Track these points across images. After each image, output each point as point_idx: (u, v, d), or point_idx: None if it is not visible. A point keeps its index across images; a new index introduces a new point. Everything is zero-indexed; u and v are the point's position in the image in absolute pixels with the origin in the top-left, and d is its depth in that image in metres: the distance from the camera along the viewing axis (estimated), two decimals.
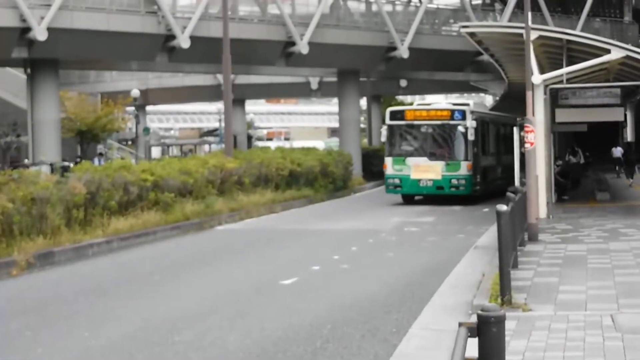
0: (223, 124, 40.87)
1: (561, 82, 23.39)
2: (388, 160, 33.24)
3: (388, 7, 49.12)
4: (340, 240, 20.57)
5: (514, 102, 46.64)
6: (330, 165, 36.68)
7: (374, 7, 47.13)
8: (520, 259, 14.32)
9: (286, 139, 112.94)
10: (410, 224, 24.33)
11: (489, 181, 34.53)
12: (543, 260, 15.00)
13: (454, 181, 31.41)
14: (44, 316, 12.12)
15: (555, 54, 24.36)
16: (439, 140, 32.70)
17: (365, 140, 60.96)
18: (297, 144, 66.94)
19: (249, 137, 73.76)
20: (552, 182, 25.19)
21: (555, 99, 24.62)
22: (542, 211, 21.60)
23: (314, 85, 60.99)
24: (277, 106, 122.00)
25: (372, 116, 63.28)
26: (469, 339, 5.05)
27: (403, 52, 44.64)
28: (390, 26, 44.66)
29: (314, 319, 11.34)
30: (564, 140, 30.33)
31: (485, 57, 36.22)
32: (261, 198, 28.62)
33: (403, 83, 59.21)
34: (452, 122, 31.82)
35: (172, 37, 37.06)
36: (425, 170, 31.43)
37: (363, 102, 60.85)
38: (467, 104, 34.26)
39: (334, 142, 64.60)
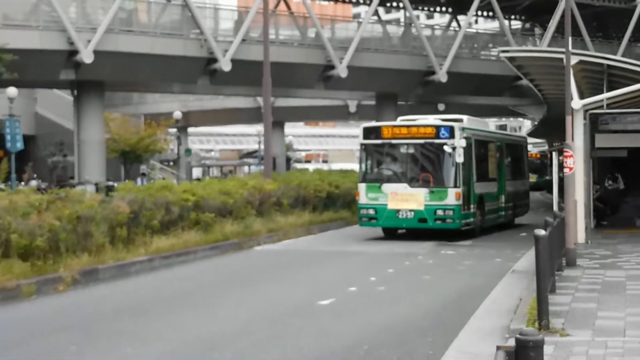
0: (262, 146, 41.04)
1: (601, 107, 23.24)
2: (361, 187, 26.97)
3: (427, 32, 49.41)
4: (376, 262, 20.51)
5: (552, 127, 46.41)
6: None
7: (413, 31, 47.21)
8: (558, 284, 14.19)
9: (324, 161, 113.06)
10: (447, 247, 24.20)
11: (488, 212, 28.65)
12: (581, 286, 14.84)
13: (439, 212, 25.30)
14: (88, 332, 12.23)
15: (595, 79, 24.23)
16: (421, 163, 26.50)
17: None
18: (335, 166, 66.95)
19: (288, 159, 73.98)
20: (591, 208, 24.97)
21: (595, 124, 24.50)
22: (581, 236, 21.42)
23: (352, 108, 61.15)
24: (315, 129, 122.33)
25: None
26: None
27: (441, 76, 44.69)
28: (429, 50, 44.72)
29: (350, 340, 11.31)
30: (603, 165, 29.99)
31: (524, 81, 35.98)
32: (298, 219, 28.65)
33: (441, 107, 59.03)
34: (437, 141, 25.52)
35: (214, 60, 37.41)
36: (405, 199, 25.46)
37: None
38: (460, 120, 28.04)
39: None
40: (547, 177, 57.37)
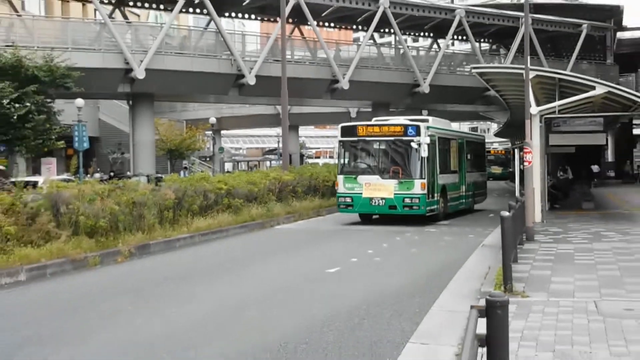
0: (281, 145, 41.12)
1: (554, 112, 23.19)
2: (340, 179, 25.63)
3: (413, 52, 49.28)
4: (373, 238, 20.46)
5: (515, 128, 46.36)
6: None
7: (402, 52, 47.17)
8: (519, 255, 14.21)
9: (330, 157, 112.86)
10: (430, 226, 24.19)
11: (450, 200, 27.34)
12: (538, 257, 14.85)
13: (407, 200, 24.09)
14: (142, 295, 12.29)
15: (549, 89, 24.17)
16: (391, 158, 25.05)
17: None
18: None
19: (301, 156, 73.91)
20: (546, 194, 24.95)
21: (549, 126, 24.57)
22: (538, 217, 21.40)
23: (353, 114, 60.87)
24: (323, 131, 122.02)
25: None
26: (479, 319, 5.05)
27: (425, 88, 44.64)
28: (414, 67, 44.67)
29: (352, 300, 11.34)
30: (556, 159, 30.00)
31: (492, 92, 35.84)
32: (310, 204, 28.62)
33: (424, 113, 58.85)
34: (405, 138, 24.24)
35: (242, 76, 37.41)
36: (377, 188, 24.26)
37: None
38: (427, 120, 27.08)
39: None
40: (510, 169, 57.35)
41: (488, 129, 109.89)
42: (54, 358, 8.46)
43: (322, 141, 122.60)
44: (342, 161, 26.00)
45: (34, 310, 11.38)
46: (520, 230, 16.19)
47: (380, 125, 25.36)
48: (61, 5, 46.92)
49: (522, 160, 20.62)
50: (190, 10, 42.64)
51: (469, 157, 30.77)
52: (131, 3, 42.33)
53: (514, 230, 12.71)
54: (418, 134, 24.01)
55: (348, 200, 25.07)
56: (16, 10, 37.85)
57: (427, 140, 23.78)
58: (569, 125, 25.16)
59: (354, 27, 51.36)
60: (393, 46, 52.86)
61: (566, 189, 30.74)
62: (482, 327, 4.99)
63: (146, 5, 43.15)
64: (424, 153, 23.55)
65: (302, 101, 47.30)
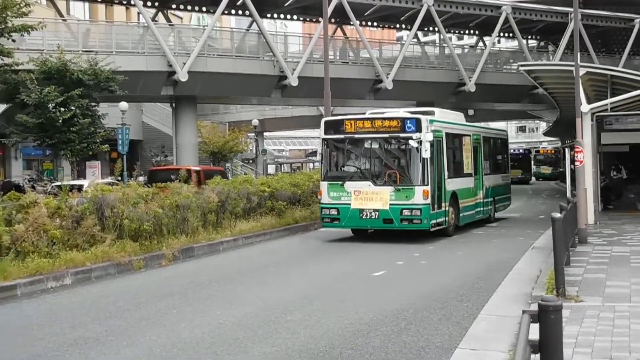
0: None
1: (606, 110, 22.83)
2: (323, 186, 20.96)
3: (458, 50, 48.93)
4: (418, 239, 20.14)
5: (565, 127, 45.80)
6: None
7: (446, 50, 46.88)
8: (572, 258, 13.94)
9: None
10: (478, 228, 23.91)
11: (463, 209, 22.47)
12: (592, 260, 14.58)
13: (406, 212, 19.57)
14: (186, 298, 12.35)
15: (600, 86, 23.80)
16: (386, 159, 20.48)
17: None
18: None
19: None
20: (599, 194, 24.53)
21: (600, 124, 24.13)
22: (590, 218, 21.04)
23: None
24: None
25: None
26: (531, 324, 4.95)
27: (471, 87, 44.31)
28: (460, 66, 44.35)
29: (399, 304, 11.25)
30: (608, 159, 29.46)
31: (540, 90, 35.40)
32: None
33: (470, 112, 58.42)
34: (403, 135, 19.70)
35: (284, 77, 37.52)
36: (369, 198, 19.79)
37: None
38: (432, 112, 22.44)
39: None
40: (561, 169, 56.62)
41: (537, 128, 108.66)
42: None
43: None
44: (326, 164, 21.40)
45: (80, 313, 11.49)
46: (573, 233, 15.92)
47: (372, 120, 20.80)
48: (105, 10, 47.55)
49: (573, 160, 20.31)
50: (233, 12, 42.94)
51: (487, 156, 26.36)
52: (174, 6, 42.74)
53: (565, 232, 12.49)
54: (418, 129, 19.50)
55: (333, 212, 20.45)
56: (61, 15, 38.43)
57: (430, 137, 19.42)
58: (622, 123, 24.65)
59: (397, 26, 51.22)
60: (437, 45, 52.48)
61: (620, 189, 30.15)
62: (534, 332, 4.88)
63: (189, 7, 43.56)
64: (426, 153, 19.22)
65: (345, 102, 47.25)
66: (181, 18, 51.95)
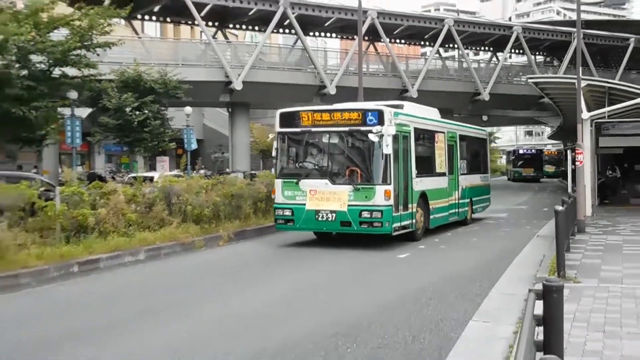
0: None
1: (604, 117, 22.51)
2: (277, 184, 16.62)
3: (474, 64, 48.51)
4: (440, 228, 19.49)
5: (567, 132, 45.15)
6: None
7: (465, 64, 46.50)
8: (571, 245, 13.82)
9: None
10: (489, 218, 23.74)
11: (435, 211, 18.14)
12: (589, 247, 14.41)
13: (365, 214, 15.38)
14: (238, 273, 12.53)
15: (599, 97, 23.44)
16: (346, 155, 16.25)
17: None
18: None
19: None
20: (596, 190, 24.21)
21: (598, 129, 23.84)
22: (588, 211, 20.74)
23: None
24: None
25: None
26: (536, 302, 4.97)
27: (485, 96, 43.86)
28: (476, 78, 43.95)
29: (420, 283, 11.26)
30: (605, 160, 29.00)
31: (546, 99, 34.93)
32: None
33: (484, 118, 58.00)
34: (364, 129, 15.41)
35: (324, 86, 37.49)
36: (326, 198, 15.72)
37: None
38: (401, 105, 18.22)
39: None
40: (562, 168, 55.88)
41: (542, 132, 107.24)
42: (163, 326, 8.68)
43: None
44: (281, 160, 16.84)
45: (152, 284, 11.72)
46: (572, 223, 15.75)
47: (330, 111, 16.34)
48: (173, 28, 47.98)
49: (574, 160, 20.08)
50: (281, 30, 43.06)
51: (465, 156, 21.85)
52: (231, 25, 42.98)
53: (566, 223, 12.38)
54: (381, 122, 15.26)
55: (287, 213, 16.15)
56: (137, 33, 38.86)
57: (392, 130, 15.22)
58: (617, 128, 24.33)
59: (422, 43, 50.83)
60: (456, 59, 52.04)
61: (615, 186, 29.68)
62: (538, 309, 4.88)
63: (243, 27, 43.77)
64: (388, 149, 15.04)
65: None
66: (236, 36, 52.09)
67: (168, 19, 41.19)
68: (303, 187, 15.81)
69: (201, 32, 39.75)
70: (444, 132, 19.67)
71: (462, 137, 21.59)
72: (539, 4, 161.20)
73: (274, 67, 37.75)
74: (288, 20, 37.73)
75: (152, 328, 8.55)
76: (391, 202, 15.18)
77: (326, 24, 42.35)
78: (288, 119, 16.57)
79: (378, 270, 12.94)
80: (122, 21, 35.27)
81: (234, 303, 9.96)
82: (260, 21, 39.80)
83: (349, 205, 15.20)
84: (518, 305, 8.83)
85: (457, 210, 20.16)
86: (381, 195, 15.02)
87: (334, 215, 15.43)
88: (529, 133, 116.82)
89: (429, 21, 44.02)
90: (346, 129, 15.64)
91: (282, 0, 35.84)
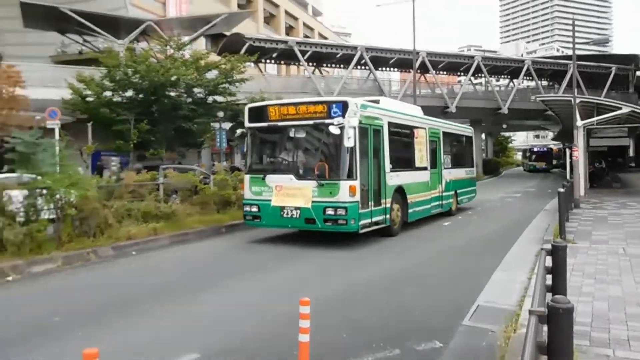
0: None
1: (593, 124, 21.20)
2: (246, 180, 11.87)
3: (497, 87, 46.71)
4: (471, 204, 19.09)
5: (566, 135, 42.73)
6: None
7: (489, 88, 44.86)
8: (569, 217, 13.19)
9: None
10: (508, 197, 22.88)
11: (414, 204, 13.21)
12: (582, 218, 13.70)
13: (329, 211, 10.49)
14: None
15: (589, 109, 22.10)
16: (311, 150, 11.30)
17: (483, 155, 58.22)
18: None
19: None
20: (587, 177, 22.92)
21: (589, 133, 22.55)
22: (582, 192, 19.71)
23: None
24: None
25: (488, 142, 60.50)
26: (546, 257, 4.81)
27: (504, 110, 42.14)
28: (497, 97, 42.34)
29: (459, 242, 11.04)
30: (593, 155, 27.41)
31: (550, 112, 33.19)
32: None
33: (504, 126, 55.84)
34: (329, 122, 10.56)
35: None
36: (291, 194, 11.05)
37: (482, 136, 58.03)
38: (377, 101, 13.07)
39: None
40: (562, 161, 53.15)
41: (547, 135, 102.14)
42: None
43: None
44: (250, 156, 12.08)
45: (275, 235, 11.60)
46: (571, 200, 15.03)
47: (296, 105, 11.47)
48: (285, 67, 48.59)
49: (571, 156, 19.09)
50: (358, 67, 42.82)
51: (449, 151, 16.62)
52: (324, 64, 43.12)
53: (566, 200, 11.85)
54: (345, 114, 10.62)
55: (254, 209, 11.45)
56: (262, 72, 39.60)
57: (355, 122, 10.54)
58: (603, 132, 23.01)
59: (458, 73, 49.37)
60: (483, 84, 50.22)
61: (601, 175, 27.97)
62: (548, 262, 4.73)
63: (333, 65, 43.83)
64: (349, 142, 10.36)
65: None
66: (328, 72, 52.21)
67: (282, 62, 41.75)
68: (269, 182, 11.01)
69: (304, 69, 40.10)
70: (424, 128, 14.38)
71: (447, 134, 16.26)
72: (543, 44, 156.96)
73: (354, 93, 37.55)
74: (363, 60, 37.46)
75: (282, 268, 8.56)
76: (357, 198, 10.30)
77: (390, 62, 41.79)
78: (256, 114, 11.57)
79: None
80: (252, 64, 36.06)
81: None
82: (344, 61, 39.72)
83: (313, 202, 10.41)
84: (530, 260, 8.55)
85: (441, 202, 15.07)
86: (345, 191, 10.22)
87: (298, 212, 10.58)
88: (537, 136, 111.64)
89: (464, 58, 42.73)
90: (311, 122, 10.70)
91: (360, 46, 35.64)
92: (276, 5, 51.76)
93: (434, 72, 41.55)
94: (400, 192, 12.33)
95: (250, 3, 47.33)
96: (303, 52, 35.72)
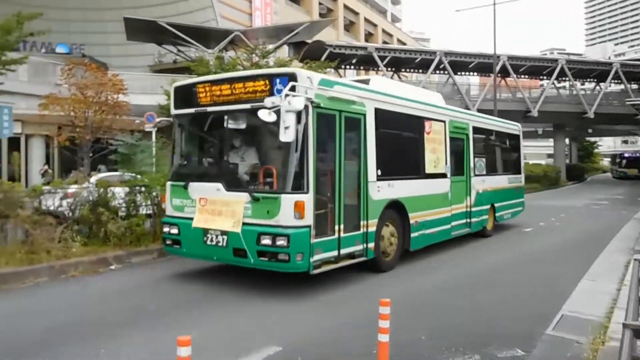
0: None
1: None
2: (167, 189, 7.12)
3: (582, 92, 43.88)
4: (554, 210, 18.27)
5: None
6: (548, 172, 33.62)
7: (574, 91, 42.21)
8: None
9: (523, 158, 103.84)
10: (593, 204, 21.37)
11: (420, 227, 8.38)
12: None
13: (266, 240, 5.82)
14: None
15: None
16: (246, 146, 6.66)
17: (567, 161, 54.86)
18: (531, 162, 61.71)
19: None
20: None
21: None
22: None
23: (540, 131, 55.71)
24: None
25: (572, 147, 57.03)
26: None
27: (590, 114, 39.46)
28: (583, 101, 39.70)
29: (548, 245, 10.48)
30: None
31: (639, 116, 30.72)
32: None
33: (590, 131, 52.32)
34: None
35: (467, 108, 36.03)
36: (217, 211, 6.18)
37: (566, 140, 54.70)
38: (367, 80, 8.13)
39: (550, 161, 58.62)
40: None
41: (636, 141, 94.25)
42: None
43: None
44: (174, 155, 7.55)
45: None
46: None
47: (231, 81, 6.64)
48: (364, 73, 48.60)
49: None
50: (437, 71, 41.94)
51: (484, 153, 11.78)
52: (403, 70, 42.71)
53: None
54: (293, 91, 5.83)
55: (174, 231, 7.04)
56: (340, 77, 39.94)
57: (297, 104, 5.63)
58: None
59: (540, 77, 46.87)
60: (567, 88, 47.25)
61: None
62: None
63: (411, 70, 43.27)
64: (287, 134, 5.64)
65: None
66: (406, 76, 51.57)
67: (361, 67, 41.78)
68: (192, 193, 6.96)
69: (383, 74, 39.87)
70: (442, 121, 9.73)
71: (480, 130, 11.47)
72: (633, 46, 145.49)
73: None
74: (442, 65, 36.62)
75: None
76: (307, 220, 6.17)
77: (469, 66, 40.53)
78: (183, 97, 7.38)
79: None
80: (332, 70, 36.40)
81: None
82: (423, 66, 39.05)
83: (244, 224, 6.34)
84: (619, 270, 7.95)
85: (467, 220, 10.50)
86: (288, 210, 6.12)
87: (225, 238, 6.51)
88: (625, 142, 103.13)
89: (547, 62, 40.47)
90: (248, 106, 6.52)
91: (438, 51, 34.93)
92: (356, 13, 51.97)
93: (515, 76, 39.74)
94: (396, 209, 7.87)
95: (331, 12, 47.87)
96: (382, 58, 35.58)
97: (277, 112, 5.69)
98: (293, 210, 6.02)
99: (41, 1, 25.37)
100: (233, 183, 6.56)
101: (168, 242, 7.18)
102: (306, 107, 5.98)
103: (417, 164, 8.94)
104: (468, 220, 10.62)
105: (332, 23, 41.04)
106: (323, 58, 26.59)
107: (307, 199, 6.07)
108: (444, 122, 9.85)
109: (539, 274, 8.11)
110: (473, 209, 10.80)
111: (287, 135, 5.70)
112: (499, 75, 40.70)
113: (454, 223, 9.92)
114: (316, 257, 6.24)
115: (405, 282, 7.38)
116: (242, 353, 4.55)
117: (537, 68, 41.50)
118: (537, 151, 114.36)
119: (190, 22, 29.50)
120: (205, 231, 6.59)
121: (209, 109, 6.91)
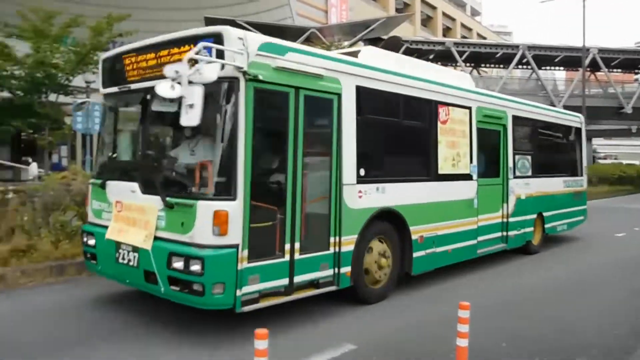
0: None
1: None
2: (89, 189, 5.11)
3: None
4: (635, 216, 16.59)
5: None
6: None
7: None
8: None
9: (615, 158, 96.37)
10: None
11: (425, 244, 5.97)
12: None
13: (178, 263, 3.87)
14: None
15: None
16: (167, 135, 4.50)
17: None
18: (625, 162, 56.83)
19: (593, 157, 64.59)
20: None
21: None
22: None
23: (634, 129, 51.03)
24: (610, 141, 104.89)
25: None
26: None
27: (628, 110, 35.57)
28: None
29: (633, 253, 9.40)
30: None
31: None
32: (601, 190, 24.46)
33: (634, 129, 47.24)
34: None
35: (553, 105, 33.67)
36: (131, 219, 4.25)
37: None
38: (356, 52, 5.88)
39: None
40: None
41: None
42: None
43: (606, 148, 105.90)
44: (99, 145, 5.52)
45: None
46: None
47: (156, 48, 4.58)
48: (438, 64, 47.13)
49: None
50: (519, 66, 39.63)
51: (529, 149, 8.79)
52: (483, 65, 40.86)
53: None
54: (221, 58, 4.01)
55: (91, 242, 5.07)
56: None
57: (211, 74, 3.76)
58: None
59: (635, 70, 42.82)
60: None
61: None
62: None
63: (491, 65, 41.31)
64: (189, 116, 3.71)
65: (596, 121, 40.92)
66: (486, 72, 49.28)
67: (439, 63, 40.47)
68: (109, 195, 5.09)
69: (462, 70, 38.35)
70: (467, 107, 7.18)
71: (523, 120, 8.71)
72: None
73: (515, 93, 34.82)
74: (525, 59, 34.51)
75: None
76: (231, 238, 4.14)
77: (555, 60, 37.89)
78: (111, 72, 5.36)
79: None
80: None
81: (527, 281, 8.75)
82: (505, 61, 37.06)
83: (156, 239, 4.43)
84: None
85: (503, 233, 7.97)
86: (206, 223, 4.14)
87: (136, 256, 4.60)
88: None
89: None
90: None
91: (521, 45, 32.94)
92: (433, 7, 50.39)
93: (607, 69, 36.57)
94: (391, 221, 5.80)
95: (408, 7, 46.74)
96: (460, 53, 34.17)
97: (179, 85, 3.81)
98: (211, 221, 4.06)
99: (129, 2, 26.85)
100: (150, 184, 4.54)
101: (87, 255, 5.31)
102: (235, 79, 4.13)
103: (425, 162, 6.48)
104: (504, 233, 7.96)
105: (409, 18, 40.05)
106: (399, 53, 25.93)
107: (233, 207, 4.11)
108: (469, 108, 7.19)
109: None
110: (511, 219, 8.08)
111: (189, 117, 3.77)
112: (588, 69, 37.70)
113: (481, 238, 7.34)
114: (249, 289, 4.25)
115: (394, 316, 5.02)
116: None
117: (631, 61, 37.98)
118: (631, 150, 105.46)
119: (267, 20, 30.04)
120: (118, 245, 4.72)
121: (132, 86, 4.93)
